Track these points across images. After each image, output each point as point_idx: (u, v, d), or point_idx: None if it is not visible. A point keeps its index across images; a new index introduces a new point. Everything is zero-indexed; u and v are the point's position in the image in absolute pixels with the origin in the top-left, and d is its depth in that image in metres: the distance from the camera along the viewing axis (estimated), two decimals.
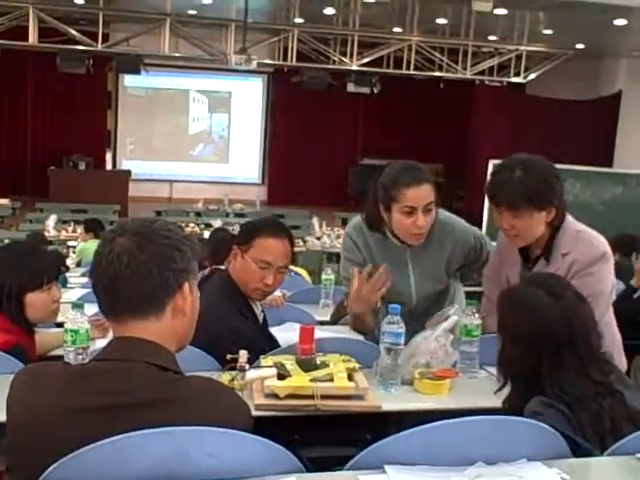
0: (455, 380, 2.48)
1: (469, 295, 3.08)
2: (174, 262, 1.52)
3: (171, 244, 1.53)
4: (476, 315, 2.61)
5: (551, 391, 1.89)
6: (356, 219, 2.96)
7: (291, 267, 5.97)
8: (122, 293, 1.50)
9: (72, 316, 2.35)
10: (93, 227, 7.36)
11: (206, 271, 3.00)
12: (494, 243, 2.93)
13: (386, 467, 1.59)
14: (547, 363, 1.92)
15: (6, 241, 7.37)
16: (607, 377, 1.95)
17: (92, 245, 6.81)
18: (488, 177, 2.67)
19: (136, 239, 1.50)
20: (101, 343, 2.51)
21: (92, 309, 2.42)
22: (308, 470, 1.59)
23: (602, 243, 2.59)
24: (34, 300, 2.57)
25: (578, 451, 1.74)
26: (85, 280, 5.04)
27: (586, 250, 2.55)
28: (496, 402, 2.07)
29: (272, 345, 2.72)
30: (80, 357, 2.31)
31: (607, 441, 1.81)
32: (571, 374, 1.91)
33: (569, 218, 2.62)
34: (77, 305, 2.40)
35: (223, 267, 2.82)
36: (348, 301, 2.84)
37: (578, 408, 1.85)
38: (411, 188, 2.65)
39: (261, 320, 2.84)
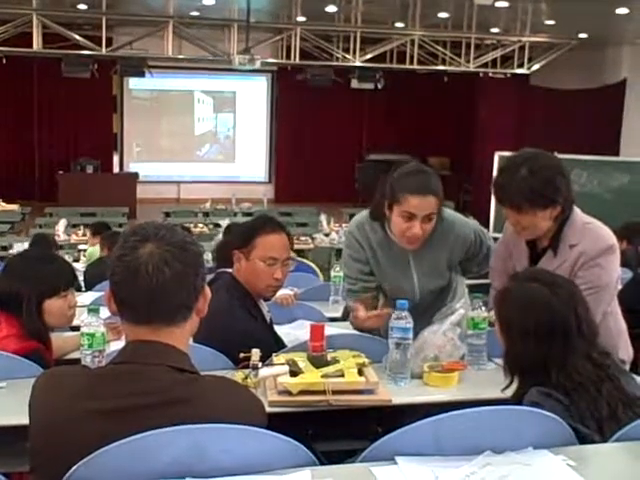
0: (464, 372, 2.52)
1: (471, 288, 3.11)
2: (202, 267, 1.57)
3: (197, 251, 1.57)
4: (483, 308, 2.65)
5: (556, 378, 1.93)
6: (358, 217, 2.98)
7: (304, 260, 6.00)
8: (163, 303, 1.51)
9: (88, 320, 2.39)
10: (100, 230, 7.38)
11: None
12: (497, 235, 2.95)
13: (397, 458, 1.63)
14: (557, 352, 1.96)
15: (17, 246, 7.49)
16: (607, 359, 2.00)
17: None
18: (494, 173, 2.69)
19: (169, 248, 1.51)
20: (115, 345, 2.58)
21: (107, 312, 2.47)
22: (322, 463, 1.62)
23: (609, 235, 2.61)
24: (51, 307, 2.61)
25: (578, 438, 1.77)
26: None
27: (594, 242, 2.57)
28: (505, 393, 2.10)
29: (278, 344, 2.76)
30: (97, 360, 2.36)
31: (605, 427, 1.85)
32: (578, 359, 1.95)
33: (577, 210, 2.63)
34: (93, 309, 2.45)
35: (229, 270, 2.85)
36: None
37: (576, 394, 1.90)
38: (415, 196, 2.64)
39: (269, 320, 2.89)
